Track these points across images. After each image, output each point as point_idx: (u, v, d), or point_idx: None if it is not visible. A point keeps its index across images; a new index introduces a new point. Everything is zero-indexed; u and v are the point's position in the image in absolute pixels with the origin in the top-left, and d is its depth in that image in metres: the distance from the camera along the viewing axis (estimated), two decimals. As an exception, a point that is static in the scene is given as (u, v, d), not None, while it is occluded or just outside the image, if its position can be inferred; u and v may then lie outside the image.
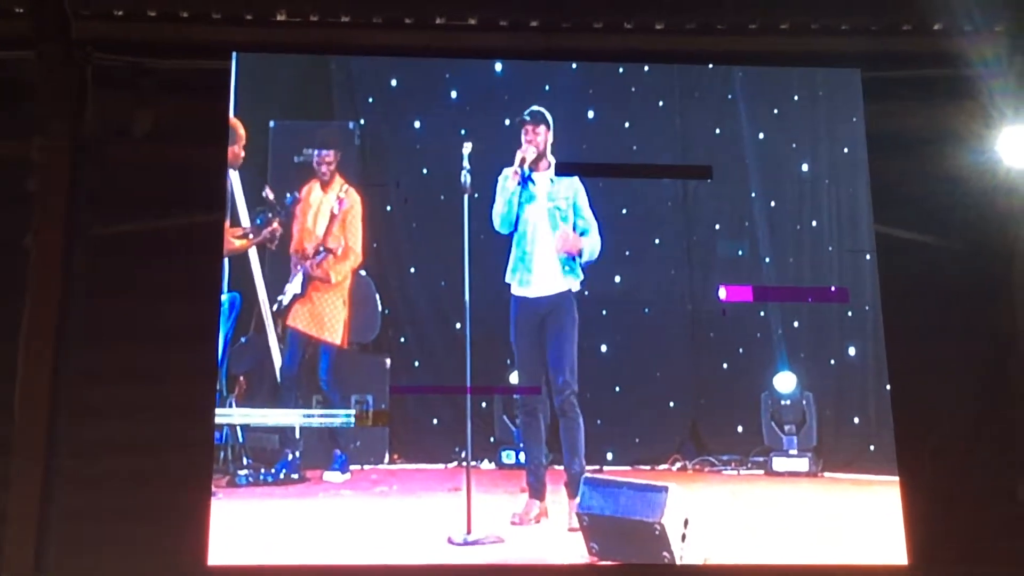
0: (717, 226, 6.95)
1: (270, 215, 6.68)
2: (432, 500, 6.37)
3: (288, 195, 6.72)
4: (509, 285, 6.44)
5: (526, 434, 6.41)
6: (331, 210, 6.73)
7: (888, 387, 6.59)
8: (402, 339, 6.82)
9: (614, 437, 6.70)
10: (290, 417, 6.52)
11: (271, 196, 6.70)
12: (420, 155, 6.87)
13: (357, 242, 6.74)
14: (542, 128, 6.51)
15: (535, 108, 6.54)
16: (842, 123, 6.96)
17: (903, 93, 6.97)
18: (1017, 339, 6.87)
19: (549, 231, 6.46)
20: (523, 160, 6.45)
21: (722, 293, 6.76)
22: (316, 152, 6.77)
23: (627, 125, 6.99)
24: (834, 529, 6.26)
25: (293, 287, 6.67)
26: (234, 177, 6.66)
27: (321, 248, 6.71)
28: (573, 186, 6.55)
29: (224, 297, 6.49)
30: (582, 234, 6.50)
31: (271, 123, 6.80)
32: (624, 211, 6.86)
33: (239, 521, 6.11)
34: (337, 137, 6.84)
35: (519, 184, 6.44)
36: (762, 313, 6.81)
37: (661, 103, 7.04)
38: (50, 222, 6.52)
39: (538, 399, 6.39)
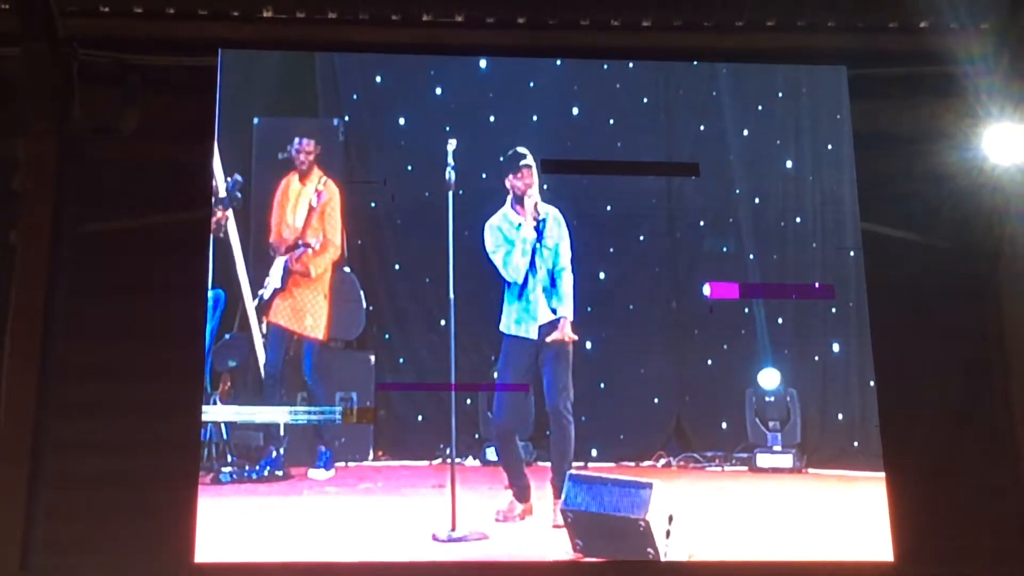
0: (702, 223, 6.95)
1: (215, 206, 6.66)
2: (417, 497, 6.37)
3: (229, 179, 6.67)
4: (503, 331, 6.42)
5: (502, 453, 6.36)
6: (309, 202, 6.73)
7: (872, 384, 6.60)
8: (387, 336, 6.82)
9: (599, 433, 6.71)
10: (275, 414, 6.52)
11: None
12: (405, 152, 6.87)
13: (336, 235, 6.74)
14: (535, 169, 6.46)
15: (523, 149, 6.47)
16: (826, 120, 6.97)
17: (889, 91, 7.00)
18: (1002, 336, 6.88)
19: (544, 274, 6.40)
20: (535, 204, 6.41)
21: (707, 290, 6.77)
22: (297, 141, 6.76)
23: (611, 122, 7.00)
24: (819, 526, 6.27)
25: (273, 281, 6.67)
26: (218, 174, 6.65)
27: (300, 242, 6.71)
28: (561, 235, 6.46)
29: (208, 294, 6.48)
30: (558, 274, 6.42)
31: (255, 120, 6.81)
32: (608, 208, 6.87)
33: (224, 519, 6.10)
34: (318, 130, 6.83)
35: (536, 232, 6.41)
36: (746, 310, 6.81)
37: (646, 100, 7.04)
38: (36, 219, 6.52)
39: (513, 418, 6.37)
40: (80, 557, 6.24)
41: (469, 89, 6.93)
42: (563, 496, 6.02)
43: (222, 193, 6.64)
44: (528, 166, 6.43)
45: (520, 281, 6.39)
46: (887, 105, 7.02)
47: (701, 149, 6.96)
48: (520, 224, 6.42)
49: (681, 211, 6.95)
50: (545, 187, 6.55)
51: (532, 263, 6.40)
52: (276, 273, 6.68)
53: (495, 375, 6.50)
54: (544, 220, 6.44)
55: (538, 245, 6.41)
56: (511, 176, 6.45)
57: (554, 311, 6.37)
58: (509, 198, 6.46)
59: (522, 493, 6.30)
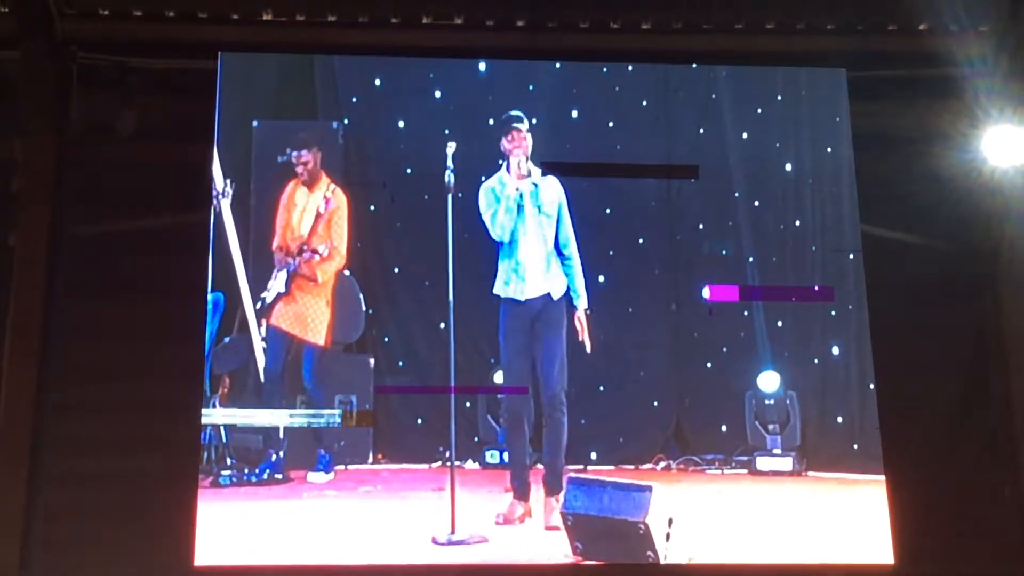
0: (701, 226, 6.96)
1: None
2: (416, 500, 6.37)
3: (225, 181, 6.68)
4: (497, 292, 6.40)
5: (510, 436, 6.36)
6: (317, 209, 6.73)
7: (872, 386, 6.60)
8: (386, 339, 6.84)
9: (598, 436, 6.71)
10: (275, 417, 6.52)
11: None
12: (404, 155, 6.87)
13: (342, 243, 6.75)
14: (527, 132, 6.47)
15: (517, 112, 6.49)
16: (826, 123, 6.97)
17: (888, 93, 6.98)
18: (1001, 338, 6.87)
19: (538, 239, 6.41)
20: (519, 163, 6.41)
21: (706, 292, 6.77)
22: (294, 153, 6.76)
23: (611, 124, 7.01)
24: (819, 528, 6.26)
25: (277, 285, 6.67)
26: (219, 177, 6.65)
27: (306, 248, 6.71)
28: (557, 192, 6.49)
29: (208, 296, 6.47)
30: (563, 246, 6.44)
31: (255, 123, 6.82)
32: (608, 211, 6.87)
33: (224, 522, 6.10)
34: (315, 137, 6.83)
35: (518, 191, 6.39)
36: (746, 312, 6.82)
37: (645, 103, 7.04)
38: (35, 221, 6.52)
39: (523, 401, 6.37)
40: (79, 558, 6.24)
41: (468, 92, 6.92)
42: (563, 499, 6.00)
43: (226, 212, 6.64)
44: (518, 128, 6.42)
45: (507, 239, 6.37)
46: (887, 107, 7.01)
47: (700, 152, 6.96)
48: (505, 183, 6.41)
49: (681, 214, 6.96)
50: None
51: (522, 221, 6.38)
52: (280, 278, 6.68)
53: (495, 378, 6.50)
54: (536, 184, 6.42)
55: (528, 204, 6.38)
56: (504, 139, 6.44)
57: (571, 297, 6.38)
58: (504, 163, 6.45)
59: (523, 490, 6.27)
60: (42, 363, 6.36)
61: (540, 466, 6.40)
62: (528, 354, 6.36)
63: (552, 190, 6.48)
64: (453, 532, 6.07)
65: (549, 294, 6.38)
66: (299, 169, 6.77)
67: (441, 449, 6.55)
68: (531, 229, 6.41)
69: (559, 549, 6.01)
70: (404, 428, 6.71)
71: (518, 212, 6.39)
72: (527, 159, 6.43)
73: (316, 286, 6.71)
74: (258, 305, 6.64)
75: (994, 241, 6.92)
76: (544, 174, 6.49)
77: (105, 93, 6.74)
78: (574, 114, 6.97)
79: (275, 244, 6.71)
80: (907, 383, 6.70)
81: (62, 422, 6.40)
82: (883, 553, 6.21)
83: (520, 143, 6.43)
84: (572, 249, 6.46)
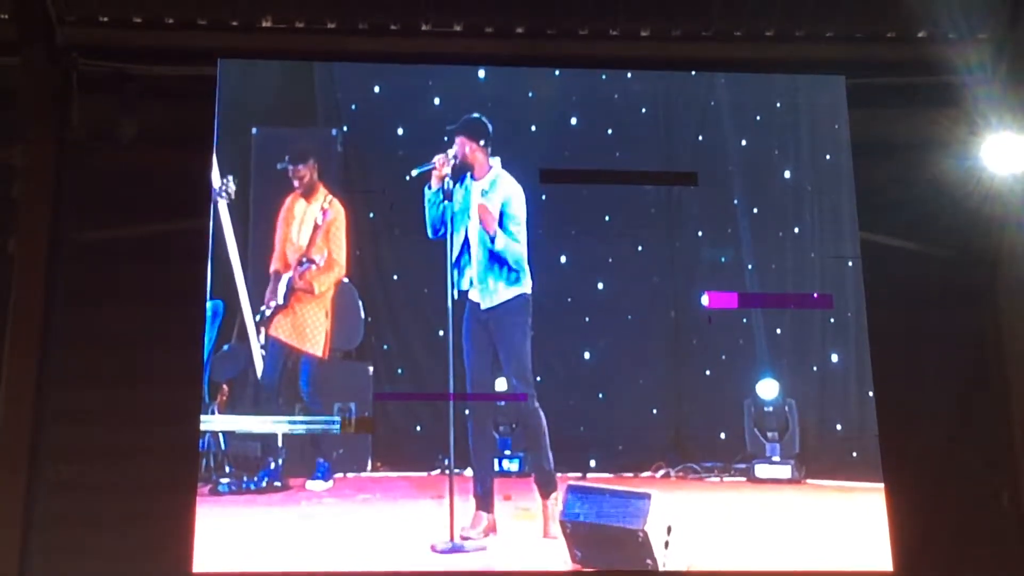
0: (700, 233, 6.96)
1: None
2: (415, 507, 6.36)
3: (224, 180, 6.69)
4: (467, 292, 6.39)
5: (475, 442, 6.32)
6: (315, 220, 6.72)
7: (871, 393, 6.60)
8: (385, 346, 6.83)
9: (597, 444, 6.70)
10: (273, 425, 6.51)
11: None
12: (403, 162, 6.83)
13: (341, 253, 6.73)
14: (460, 139, 6.40)
15: (465, 117, 6.48)
16: (825, 130, 6.97)
17: (887, 100, 7.00)
18: (1000, 345, 6.88)
19: (478, 239, 6.37)
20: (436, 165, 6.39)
21: (705, 300, 6.77)
22: (289, 167, 6.75)
23: (610, 132, 7.00)
24: (818, 536, 6.26)
25: (276, 297, 6.67)
26: (216, 177, 6.66)
27: (304, 259, 6.70)
28: (506, 192, 6.41)
29: (207, 304, 6.47)
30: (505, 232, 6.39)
31: (254, 129, 6.82)
32: (607, 218, 6.87)
33: (222, 529, 6.10)
34: (312, 147, 6.82)
35: (437, 190, 6.36)
36: (745, 320, 6.82)
37: (644, 110, 7.04)
38: (34, 227, 6.53)
39: (487, 406, 6.39)
40: (78, 565, 6.24)
41: (468, 99, 6.89)
42: (562, 506, 6.01)
43: (224, 217, 6.62)
44: (452, 132, 6.41)
45: (431, 235, 6.36)
46: (886, 114, 7.03)
47: (700, 159, 6.96)
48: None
49: (680, 221, 6.96)
50: (543, 197, 6.54)
51: (463, 223, 6.35)
52: (280, 290, 6.67)
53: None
54: (465, 186, 6.39)
55: (463, 204, 6.36)
56: None
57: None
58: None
59: (486, 499, 6.23)
60: (41, 369, 6.37)
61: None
62: (489, 358, 6.33)
63: (500, 193, 6.40)
64: (452, 540, 6.07)
65: (505, 299, 6.34)
66: (295, 183, 6.75)
67: (440, 456, 6.52)
68: (472, 233, 6.37)
69: (558, 557, 6.01)
70: (403, 436, 6.71)
71: (449, 212, 6.34)
72: (451, 165, 6.37)
73: (314, 297, 6.70)
74: (257, 318, 6.63)
75: (993, 248, 6.93)
76: (543, 181, 6.48)
77: (105, 99, 6.74)
78: (573, 121, 6.96)
79: (274, 256, 6.70)
80: (906, 391, 6.70)
81: (61, 429, 6.40)
82: (882, 560, 6.21)
83: (454, 149, 6.40)
84: (498, 242, 6.36)
